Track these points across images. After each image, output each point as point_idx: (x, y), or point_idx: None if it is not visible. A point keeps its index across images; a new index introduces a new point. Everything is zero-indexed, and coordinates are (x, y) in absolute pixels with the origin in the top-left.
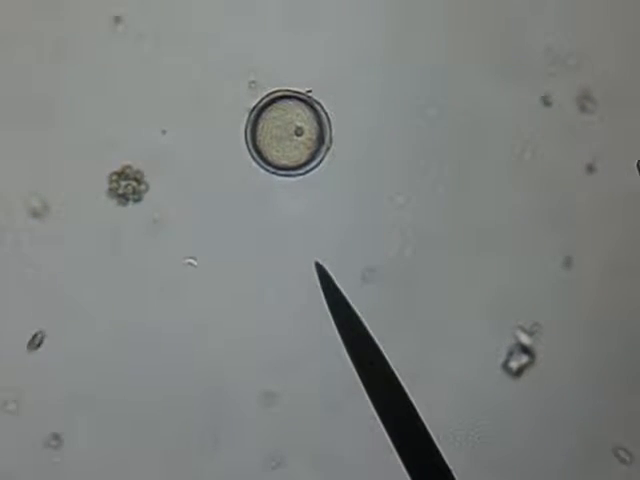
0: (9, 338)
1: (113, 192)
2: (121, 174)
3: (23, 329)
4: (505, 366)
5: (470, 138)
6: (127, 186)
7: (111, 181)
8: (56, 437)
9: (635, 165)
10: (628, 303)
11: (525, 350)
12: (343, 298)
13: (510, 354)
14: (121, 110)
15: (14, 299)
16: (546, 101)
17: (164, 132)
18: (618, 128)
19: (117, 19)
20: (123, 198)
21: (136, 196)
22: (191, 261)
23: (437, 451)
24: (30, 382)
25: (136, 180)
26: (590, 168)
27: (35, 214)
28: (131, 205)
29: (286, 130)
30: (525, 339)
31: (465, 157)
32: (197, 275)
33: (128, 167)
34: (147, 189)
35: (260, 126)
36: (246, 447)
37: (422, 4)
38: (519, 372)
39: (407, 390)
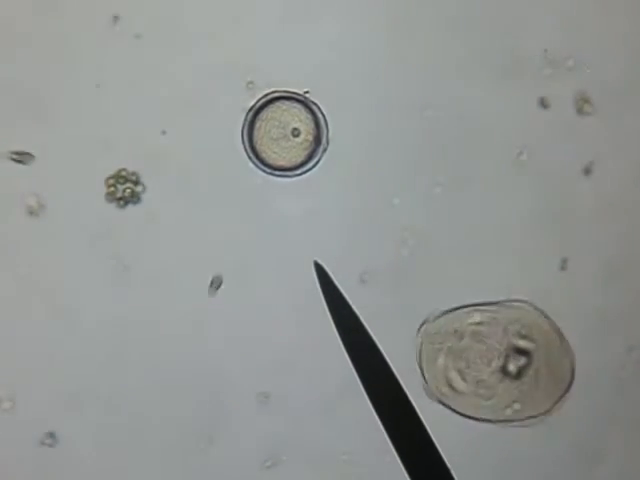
0: (5, 338)
1: (111, 196)
2: (118, 177)
3: (20, 329)
4: (503, 368)
5: (467, 140)
6: (125, 190)
7: (109, 185)
8: (51, 435)
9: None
10: (624, 304)
11: (522, 352)
12: (342, 298)
13: (507, 356)
14: (118, 110)
15: (11, 299)
16: (544, 103)
17: (164, 132)
18: (615, 130)
19: (115, 19)
20: (122, 201)
21: (135, 198)
22: None
23: (436, 451)
24: (25, 381)
25: (133, 182)
26: (587, 170)
27: (32, 213)
28: (130, 206)
29: (283, 131)
30: (522, 341)
31: (462, 159)
32: (195, 275)
33: (124, 169)
34: (144, 190)
35: (257, 127)
36: (242, 446)
37: (419, 6)
38: (517, 374)
39: (405, 390)
